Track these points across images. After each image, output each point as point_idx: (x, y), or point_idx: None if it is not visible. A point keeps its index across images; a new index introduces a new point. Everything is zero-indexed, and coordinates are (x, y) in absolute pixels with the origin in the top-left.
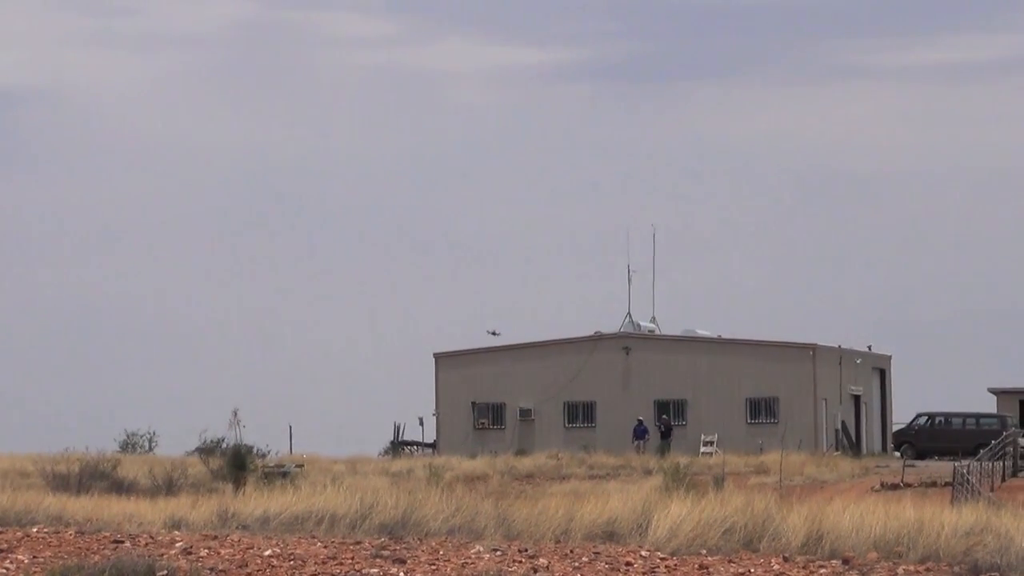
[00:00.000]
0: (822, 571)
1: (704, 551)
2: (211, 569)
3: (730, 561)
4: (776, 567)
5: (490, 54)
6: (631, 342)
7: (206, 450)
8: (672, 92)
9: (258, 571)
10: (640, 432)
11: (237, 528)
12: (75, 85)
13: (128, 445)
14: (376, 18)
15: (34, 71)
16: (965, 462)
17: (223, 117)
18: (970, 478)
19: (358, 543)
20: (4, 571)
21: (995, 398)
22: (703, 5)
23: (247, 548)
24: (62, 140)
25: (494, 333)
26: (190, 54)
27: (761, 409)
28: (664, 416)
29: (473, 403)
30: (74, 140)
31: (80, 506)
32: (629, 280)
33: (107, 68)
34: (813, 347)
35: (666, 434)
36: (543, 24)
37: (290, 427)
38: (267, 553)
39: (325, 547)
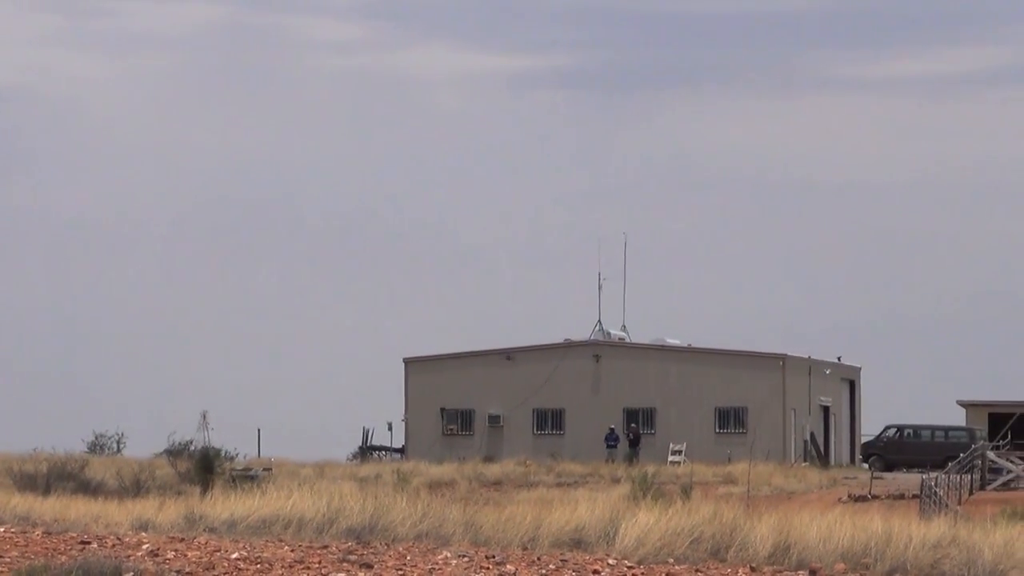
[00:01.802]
0: None
1: (671, 560)
2: (177, 571)
3: (697, 570)
4: None
5: (463, 61)
6: (601, 350)
7: (174, 452)
8: (644, 101)
9: (225, 574)
10: (612, 440)
11: (204, 531)
12: (51, 86)
13: (96, 446)
14: (350, 23)
15: (9, 71)
16: (933, 474)
17: (198, 120)
18: (938, 491)
19: (325, 547)
20: None
21: (964, 411)
22: (676, 14)
23: (214, 551)
24: (36, 140)
25: (508, 357)
26: (166, 56)
27: (730, 418)
28: (633, 424)
29: (442, 409)
30: (49, 141)
31: (47, 506)
32: (600, 288)
33: (83, 69)
34: (783, 357)
35: (635, 442)
36: (516, 32)
37: (258, 430)
38: (234, 556)
39: (292, 551)
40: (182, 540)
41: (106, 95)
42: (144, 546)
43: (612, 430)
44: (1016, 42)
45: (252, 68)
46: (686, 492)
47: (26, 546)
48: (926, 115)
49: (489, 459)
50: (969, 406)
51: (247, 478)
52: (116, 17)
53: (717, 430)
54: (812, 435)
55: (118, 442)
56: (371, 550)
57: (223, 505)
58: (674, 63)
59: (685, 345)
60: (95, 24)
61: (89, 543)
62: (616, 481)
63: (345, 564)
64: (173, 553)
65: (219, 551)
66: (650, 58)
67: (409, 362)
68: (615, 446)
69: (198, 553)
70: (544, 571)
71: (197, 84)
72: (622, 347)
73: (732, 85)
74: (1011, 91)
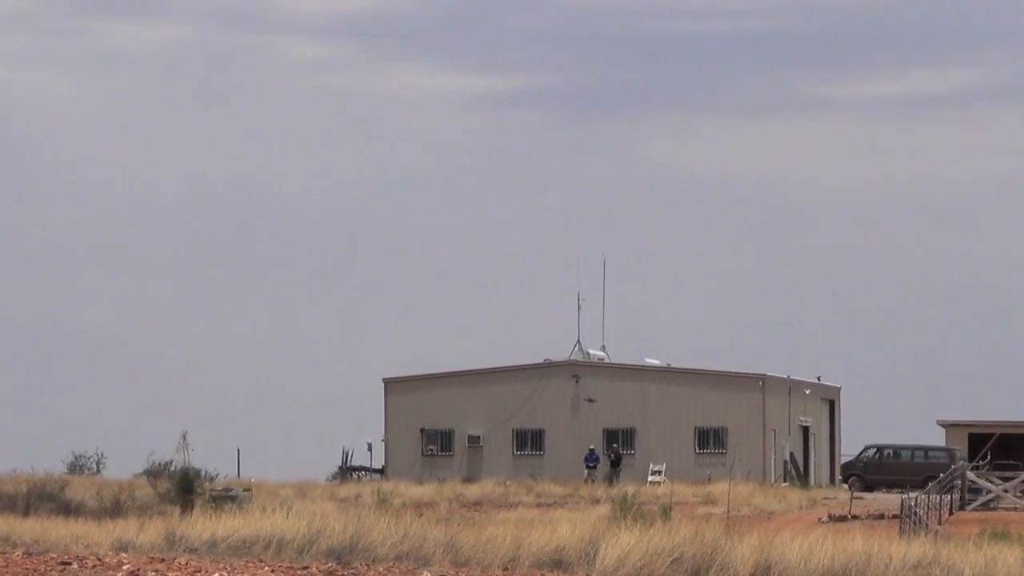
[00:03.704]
0: None
1: None
2: None
3: None
4: None
5: (441, 80)
6: (581, 370)
7: (154, 473)
8: (623, 121)
9: None
10: (591, 460)
11: (184, 551)
12: (18, 105)
13: (76, 467)
14: (328, 42)
15: None
16: (913, 495)
17: (171, 139)
18: (918, 511)
19: (306, 568)
20: None
21: (944, 431)
22: (655, 34)
23: (195, 571)
24: (7, 161)
25: (590, 400)
26: (137, 75)
27: (710, 439)
28: (614, 445)
29: (422, 429)
30: (20, 161)
31: (27, 527)
32: (579, 308)
33: (52, 88)
34: (763, 377)
35: (615, 463)
36: (496, 51)
37: (238, 451)
38: None
39: (272, 571)
40: (162, 561)
41: (76, 115)
42: (124, 567)
43: (592, 450)
44: (991, 63)
45: (224, 87)
46: (666, 512)
47: (6, 567)
48: (905, 134)
49: (469, 480)
50: (949, 426)
51: (227, 498)
52: (87, 37)
53: (697, 450)
54: (792, 455)
55: (98, 462)
56: (351, 570)
57: (203, 525)
58: (653, 83)
59: (665, 365)
60: (67, 44)
61: (70, 564)
62: (596, 502)
63: None
64: (154, 573)
65: (200, 572)
66: (628, 78)
67: (389, 382)
68: (595, 467)
69: (178, 574)
70: None
71: (168, 103)
72: (602, 367)
73: (711, 105)
74: (991, 110)
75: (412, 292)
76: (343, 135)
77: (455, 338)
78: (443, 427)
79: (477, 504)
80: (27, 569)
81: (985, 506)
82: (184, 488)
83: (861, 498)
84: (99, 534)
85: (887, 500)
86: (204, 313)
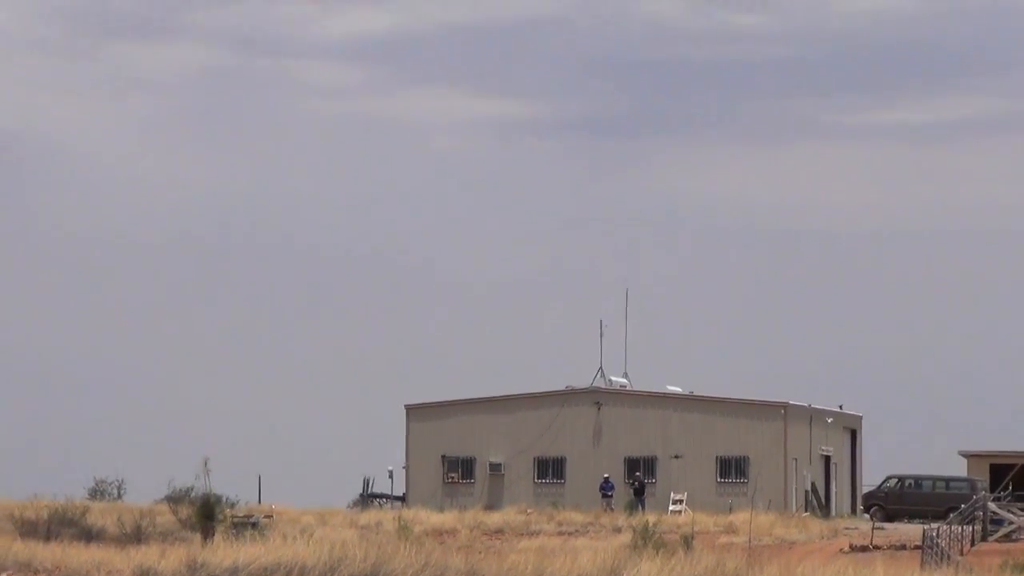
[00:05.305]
0: None
1: None
2: None
3: None
4: None
5: (460, 107)
6: (602, 397)
7: (175, 499)
8: (645, 147)
9: None
10: (608, 489)
11: None
12: (41, 128)
13: (97, 492)
14: (350, 66)
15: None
16: (935, 525)
17: (192, 165)
18: (940, 542)
19: None
20: None
21: (966, 461)
22: (669, 62)
23: None
24: (25, 185)
25: (677, 456)
26: (159, 100)
27: (731, 468)
28: (637, 473)
29: (443, 456)
30: (39, 186)
31: (49, 553)
32: (601, 335)
33: (75, 112)
34: (784, 406)
35: (639, 492)
36: (513, 78)
37: (259, 477)
38: None
39: None
40: None
41: (98, 139)
42: None
43: (607, 479)
44: (1010, 90)
45: (245, 112)
46: (687, 542)
47: None
48: (922, 162)
49: (490, 507)
50: (971, 457)
51: (248, 525)
52: (108, 62)
53: (718, 479)
54: (813, 485)
55: (119, 488)
56: None
57: (225, 552)
58: (673, 110)
59: (687, 393)
60: (88, 68)
61: None
62: (617, 530)
63: None
64: None
65: None
66: (649, 105)
67: (410, 409)
68: (611, 495)
69: None
70: None
71: (190, 128)
72: (623, 394)
73: (731, 132)
74: (1009, 137)
75: (434, 318)
76: (364, 160)
77: (477, 365)
78: (464, 454)
79: (498, 532)
80: None
81: (1007, 537)
82: (205, 514)
83: (883, 528)
84: (120, 560)
85: (908, 530)
86: (225, 339)
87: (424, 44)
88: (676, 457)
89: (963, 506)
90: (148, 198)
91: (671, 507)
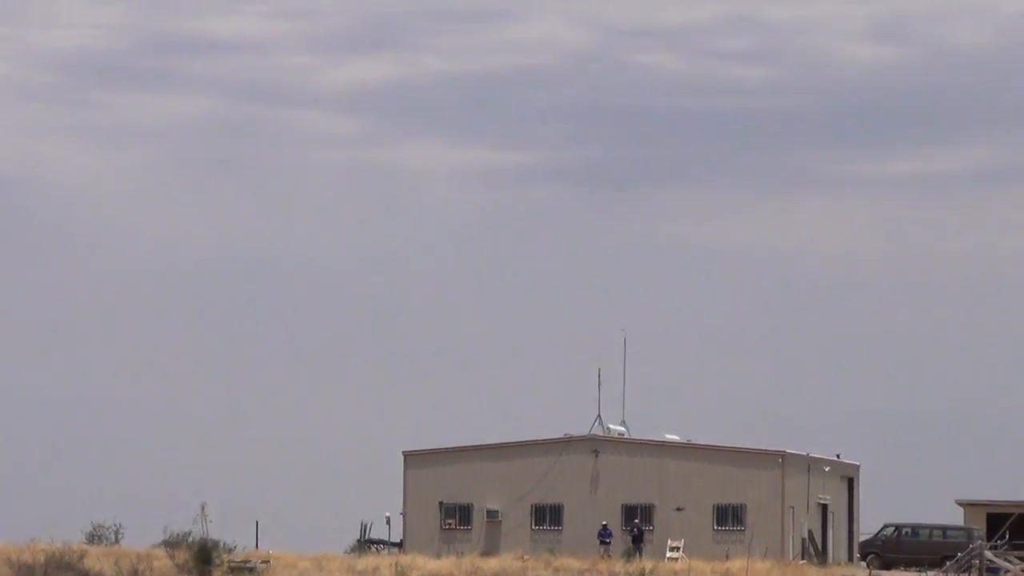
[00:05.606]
0: None
1: None
2: None
3: None
4: None
5: (457, 156)
6: (600, 445)
7: (172, 543)
8: (644, 196)
9: None
10: (606, 536)
11: None
12: (42, 176)
13: (94, 536)
14: (350, 116)
15: (2, 160)
16: (931, 574)
17: (191, 212)
18: None
19: None
20: None
21: (962, 510)
22: (672, 110)
23: None
24: (27, 231)
25: (679, 509)
26: (158, 148)
27: (728, 515)
28: (635, 520)
29: (440, 503)
30: (40, 231)
31: None
32: (599, 383)
33: (75, 159)
34: (782, 454)
35: (638, 539)
36: (511, 127)
37: (256, 522)
38: None
39: None
40: None
41: (97, 186)
42: None
43: (605, 526)
44: (1018, 140)
45: (244, 161)
46: None
47: None
48: (927, 213)
49: (487, 554)
50: (967, 505)
51: (245, 570)
52: (109, 110)
53: (715, 527)
54: (810, 533)
55: (116, 532)
56: None
57: None
58: (673, 159)
59: (685, 441)
60: (90, 115)
61: None
62: None
63: None
64: None
65: None
66: (648, 153)
67: (408, 456)
68: (610, 542)
69: None
70: None
71: (189, 176)
72: (621, 442)
73: (732, 181)
74: (1017, 187)
75: (432, 365)
76: (363, 208)
77: (475, 412)
78: (462, 501)
79: None
80: None
81: None
82: (202, 559)
83: None
84: None
85: None
86: (223, 384)
87: (423, 93)
88: (679, 510)
89: (959, 554)
90: (145, 246)
91: (668, 554)
